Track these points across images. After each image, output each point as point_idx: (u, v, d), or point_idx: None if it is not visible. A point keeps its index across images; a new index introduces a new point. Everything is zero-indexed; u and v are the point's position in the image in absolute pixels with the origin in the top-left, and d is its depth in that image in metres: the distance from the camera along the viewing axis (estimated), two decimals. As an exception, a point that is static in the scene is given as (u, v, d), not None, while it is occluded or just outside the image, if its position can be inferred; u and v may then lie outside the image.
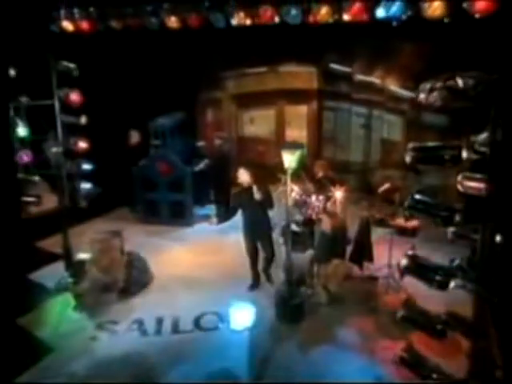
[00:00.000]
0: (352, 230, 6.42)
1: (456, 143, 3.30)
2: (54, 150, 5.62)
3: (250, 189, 5.71)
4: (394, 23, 7.84)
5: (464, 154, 3.27)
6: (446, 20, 6.56)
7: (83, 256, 6.11)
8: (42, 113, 7.96)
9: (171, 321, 5.35)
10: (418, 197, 3.63)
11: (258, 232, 5.93)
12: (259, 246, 6.03)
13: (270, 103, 10.21)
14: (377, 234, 6.56)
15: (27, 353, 4.62)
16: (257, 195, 5.60)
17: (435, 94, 3.15)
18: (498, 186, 3.68)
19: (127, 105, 8.49)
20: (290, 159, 4.87)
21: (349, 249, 6.33)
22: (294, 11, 4.85)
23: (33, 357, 4.54)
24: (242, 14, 5.11)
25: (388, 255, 5.98)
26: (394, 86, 9.09)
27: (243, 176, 5.80)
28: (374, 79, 9.32)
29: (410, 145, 3.47)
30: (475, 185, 3.69)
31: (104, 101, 8.31)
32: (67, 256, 6.15)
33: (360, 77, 9.43)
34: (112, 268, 5.86)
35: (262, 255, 6.13)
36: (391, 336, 4.84)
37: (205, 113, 10.68)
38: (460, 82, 2.94)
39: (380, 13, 6.96)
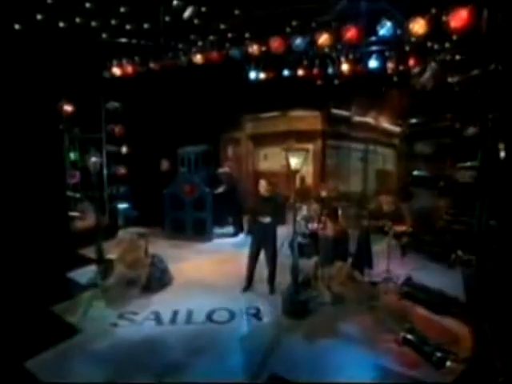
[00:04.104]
0: (353, 244, 5.95)
1: (449, 115, 3.01)
2: (93, 159, 5.56)
3: (266, 199, 5.45)
4: (383, 89, 7.99)
5: (457, 125, 2.97)
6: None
7: (111, 256, 5.77)
8: (90, 142, 8.07)
9: (186, 313, 4.87)
10: (416, 173, 3.32)
11: (264, 239, 5.48)
12: (263, 253, 5.55)
13: (281, 142, 9.98)
14: (376, 245, 6.05)
15: (57, 332, 4.43)
16: (272, 203, 5.35)
17: (427, 74, 2.92)
18: (488, 173, 3.37)
19: (161, 137, 8.50)
20: (295, 161, 4.58)
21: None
22: (298, 40, 4.81)
23: (61, 336, 4.34)
24: (255, 46, 5.11)
25: (386, 261, 5.48)
26: (385, 124, 8.98)
27: (263, 187, 5.51)
28: (369, 119, 9.26)
29: (407, 122, 3.21)
30: (468, 173, 3.45)
31: (141, 133, 8.40)
32: (99, 260, 5.84)
33: (357, 118, 9.39)
34: (136, 265, 5.47)
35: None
36: (389, 330, 4.29)
37: (226, 148, 10.70)
38: (448, 56, 2.72)
39: (372, 64, 7.12)
